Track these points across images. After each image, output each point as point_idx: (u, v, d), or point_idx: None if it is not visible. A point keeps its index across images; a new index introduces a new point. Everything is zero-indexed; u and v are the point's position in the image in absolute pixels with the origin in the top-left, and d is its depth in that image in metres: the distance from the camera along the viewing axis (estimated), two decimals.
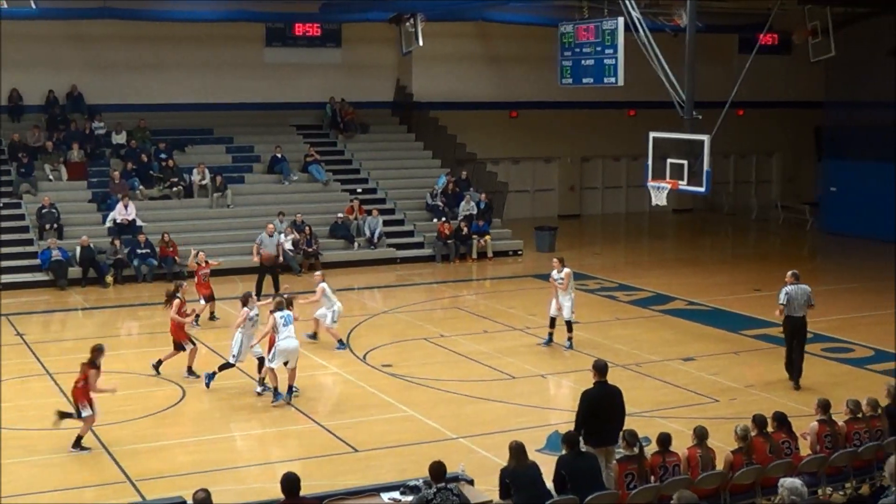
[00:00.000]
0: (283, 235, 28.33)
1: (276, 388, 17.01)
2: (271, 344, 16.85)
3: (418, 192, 33.07)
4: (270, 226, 25.84)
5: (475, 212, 31.74)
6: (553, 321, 20.56)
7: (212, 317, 22.89)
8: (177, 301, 18.60)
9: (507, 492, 10.97)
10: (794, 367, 18.06)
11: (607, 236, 37.95)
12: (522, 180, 39.23)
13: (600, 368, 13.07)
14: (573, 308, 20.30)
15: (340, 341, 20.56)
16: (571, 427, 12.65)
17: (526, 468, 11.07)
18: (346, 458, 14.79)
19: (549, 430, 15.27)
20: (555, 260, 20.64)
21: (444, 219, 31.22)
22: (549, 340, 20.65)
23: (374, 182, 33.41)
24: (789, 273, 18.24)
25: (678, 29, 26.30)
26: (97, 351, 15.15)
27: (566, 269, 20.18)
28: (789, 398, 17.01)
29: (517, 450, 11.13)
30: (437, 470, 10.35)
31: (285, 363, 16.88)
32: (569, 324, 20.31)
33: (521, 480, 10.93)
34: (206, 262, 22.65)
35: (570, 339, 20.36)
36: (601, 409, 12.78)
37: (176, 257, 27.33)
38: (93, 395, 14.90)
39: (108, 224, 28.53)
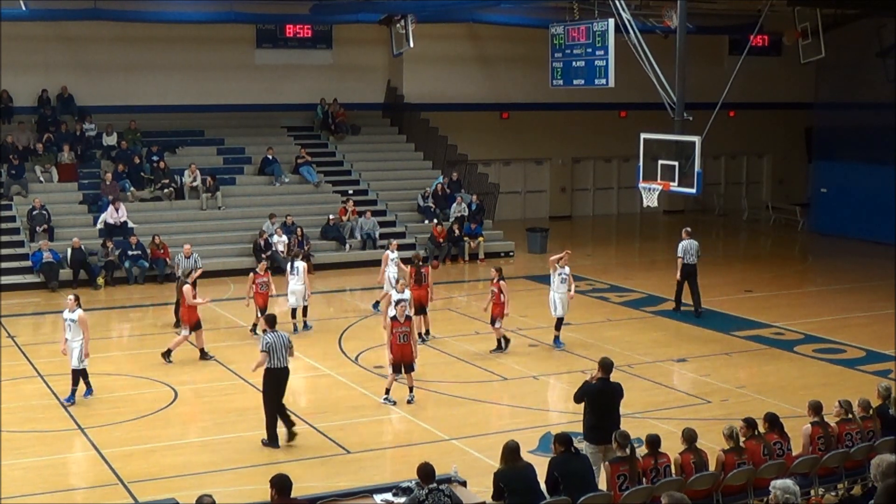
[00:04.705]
0: (275, 237, 28.40)
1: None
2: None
3: (410, 194, 33.07)
4: (187, 247, 23.11)
5: (467, 213, 31.74)
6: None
7: (254, 329, 21.55)
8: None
9: (500, 494, 10.93)
10: (686, 302, 23.58)
11: (598, 238, 37.98)
12: (513, 181, 39.26)
13: (606, 366, 13.10)
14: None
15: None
16: (563, 428, 12.65)
17: (520, 470, 11.02)
18: (338, 460, 14.78)
19: (541, 432, 15.28)
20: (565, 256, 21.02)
21: (436, 221, 31.22)
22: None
23: (365, 183, 33.40)
24: (684, 230, 23.70)
25: (669, 30, 26.29)
26: None
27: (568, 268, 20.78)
28: (781, 399, 17.04)
29: (510, 451, 11.07)
30: (426, 471, 10.33)
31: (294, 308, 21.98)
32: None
33: (514, 484, 10.88)
34: (266, 271, 21.95)
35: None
36: (602, 404, 12.79)
37: (167, 259, 27.29)
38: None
39: (100, 226, 28.48)
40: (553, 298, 20.70)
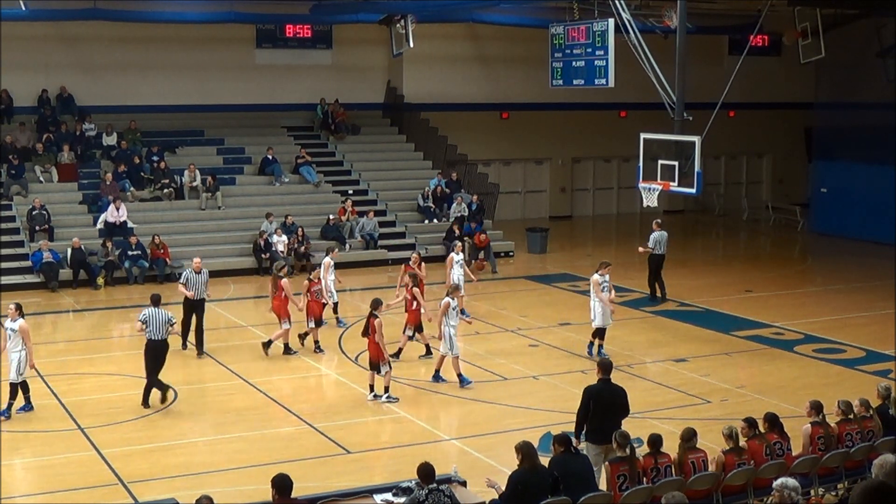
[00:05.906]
0: (274, 237, 28.39)
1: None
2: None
3: (410, 194, 33.06)
4: (197, 260, 20.77)
5: (467, 213, 31.72)
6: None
7: (317, 347, 20.40)
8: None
9: (515, 496, 10.55)
10: (659, 288, 25.10)
11: (598, 237, 37.97)
12: (513, 181, 39.25)
13: (605, 366, 13.07)
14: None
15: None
16: (563, 428, 12.63)
17: (539, 474, 10.74)
18: (338, 460, 14.78)
19: (541, 432, 15.23)
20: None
21: (478, 229, 30.46)
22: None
23: (365, 183, 33.39)
24: (655, 221, 25.67)
25: (669, 30, 26.31)
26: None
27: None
28: (781, 399, 17.05)
29: (530, 452, 10.79)
30: (426, 471, 10.29)
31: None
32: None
33: (533, 490, 10.59)
34: (319, 279, 20.97)
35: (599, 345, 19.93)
36: (603, 405, 12.74)
37: (167, 259, 27.28)
38: None
39: (100, 226, 28.47)
40: (592, 306, 19.78)
